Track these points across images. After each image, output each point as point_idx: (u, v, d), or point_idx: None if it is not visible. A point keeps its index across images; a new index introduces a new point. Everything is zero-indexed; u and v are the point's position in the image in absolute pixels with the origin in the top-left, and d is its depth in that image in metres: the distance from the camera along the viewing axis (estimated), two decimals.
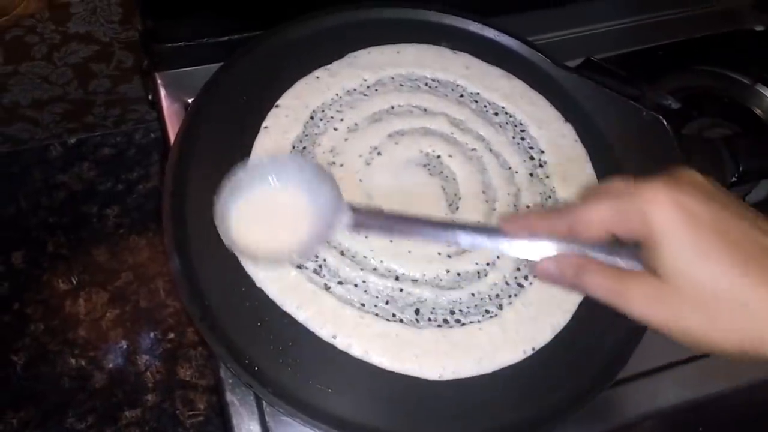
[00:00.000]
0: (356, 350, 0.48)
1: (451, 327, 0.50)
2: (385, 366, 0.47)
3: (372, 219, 0.40)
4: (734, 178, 0.57)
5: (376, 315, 0.49)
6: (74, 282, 0.78)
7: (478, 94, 0.62)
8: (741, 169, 0.57)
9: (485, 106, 0.62)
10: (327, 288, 0.50)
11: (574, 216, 0.34)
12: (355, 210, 0.39)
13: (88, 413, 0.71)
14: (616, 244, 0.34)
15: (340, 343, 0.48)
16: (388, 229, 0.41)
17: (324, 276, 0.51)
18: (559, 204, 0.57)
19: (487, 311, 0.51)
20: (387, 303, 0.50)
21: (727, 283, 0.30)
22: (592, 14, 0.76)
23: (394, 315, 0.49)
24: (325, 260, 0.51)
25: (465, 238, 0.38)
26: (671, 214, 0.31)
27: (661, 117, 0.57)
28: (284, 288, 0.49)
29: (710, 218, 0.31)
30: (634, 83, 0.69)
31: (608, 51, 0.73)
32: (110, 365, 0.74)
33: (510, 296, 0.52)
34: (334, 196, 0.39)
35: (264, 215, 0.40)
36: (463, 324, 0.50)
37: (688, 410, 0.53)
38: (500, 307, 0.51)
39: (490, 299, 0.52)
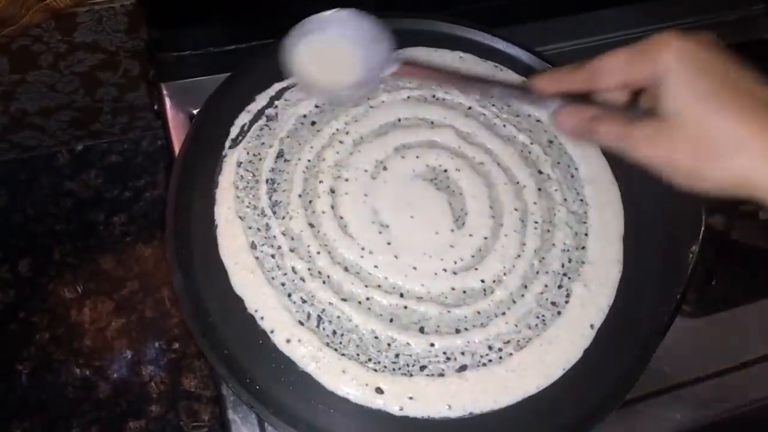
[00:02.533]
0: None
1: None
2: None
3: (414, 69, 0.50)
4: None
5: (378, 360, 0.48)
6: (80, 290, 0.78)
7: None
8: None
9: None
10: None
11: (592, 66, 0.37)
12: (402, 61, 0.45)
13: (92, 424, 0.71)
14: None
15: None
16: (427, 76, 0.51)
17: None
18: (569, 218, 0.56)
19: (494, 328, 0.50)
20: (391, 321, 0.49)
21: (725, 123, 0.32)
22: (603, 24, 0.74)
23: (396, 356, 0.48)
24: (329, 276, 0.51)
25: (498, 92, 0.46)
26: (678, 56, 0.34)
27: None
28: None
29: (715, 66, 0.33)
30: None
31: None
32: (115, 375, 0.74)
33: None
34: (387, 49, 0.45)
35: (324, 58, 0.46)
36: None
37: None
38: (506, 323, 0.50)
39: (496, 317, 0.51)
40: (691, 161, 0.33)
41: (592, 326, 0.51)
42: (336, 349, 0.48)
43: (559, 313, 0.52)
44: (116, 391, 0.74)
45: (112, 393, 0.73)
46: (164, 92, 0.64)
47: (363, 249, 0.52)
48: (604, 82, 0.38)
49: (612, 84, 0.37)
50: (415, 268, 0.52)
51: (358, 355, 0.48)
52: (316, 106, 0.59)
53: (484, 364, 0.49)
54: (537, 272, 0.53)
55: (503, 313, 0.51)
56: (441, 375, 0.48)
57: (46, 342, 0.75)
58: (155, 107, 0.64)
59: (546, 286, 0.53)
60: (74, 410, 0.72)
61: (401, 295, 0.50)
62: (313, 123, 0.58)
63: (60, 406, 0.72)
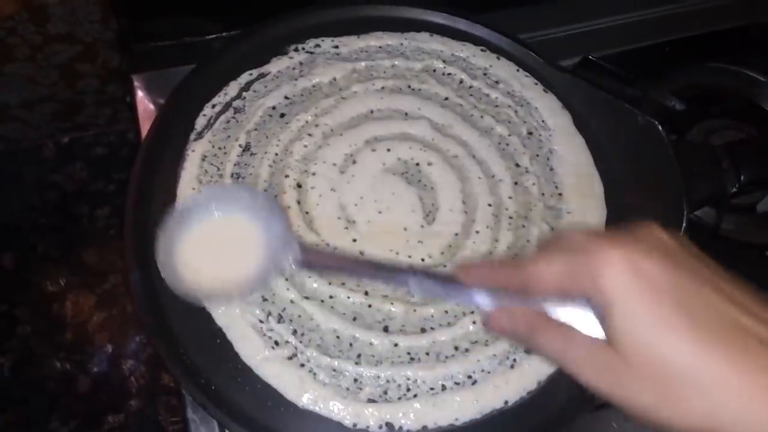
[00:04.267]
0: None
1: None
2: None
3: (321, 259, 0.39)
4: (735, 189, 0.53)
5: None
6: (62, 284, 0.78)
7: (490, 67, 0.61)
8: (742, 179, 0.53)
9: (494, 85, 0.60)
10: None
11: (527, 271, 0.32)
12: (304, 249, 0.37)
13: (71, 417, 0.71)
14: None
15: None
16: (338, 270, 0.41)
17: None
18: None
19: (460, 328, 0.48)
20: (354, 319, 0.48)
21: (682, 361, 0.26)
22: (592, 9, 0.71)
23: (359, 356, 0.47)
24: (291, 274, 0.49)
25: (416, 284, 0.35)
26: (625, 279, 0.28)
27: (656, 122, 0.54)
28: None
29: (669, 285, 0.27)
30: (635, 83, 0.65)
31: (609, 48, 0.69)
32: (95, 369, 0.74)
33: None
34: (284, 231, 0.37)
35: (211, 249, 0.37)
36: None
37: None
38: (474, 323, 0.48)
39: (464, 315, 0.49)
40: (648, 399, 0.27)
41: None
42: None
43: None
44: (96, 385, 0.74)
45: (92, 387, 0.73)
46: (135, 83, 0.62)
47: (328, 245, 0.50)
48: (538, 289, 0.31)
49: (547, 293, 0.31)
50: None
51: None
52: (286, 98, 0.57)
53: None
54: None
55: (472, 312, 0.49)
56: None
57: (28, 335, 0.75)
58: (127, 99, 0.63)
59: None
60: (54, 404, 0.72)
61: (366, 294, 0.49)
62: (282, 115, 0.57)
63: (40, 400, 0.72)
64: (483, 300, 0.34)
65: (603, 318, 0.29)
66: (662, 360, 0.27)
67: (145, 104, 0.62)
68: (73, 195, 0.84)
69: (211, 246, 0.37)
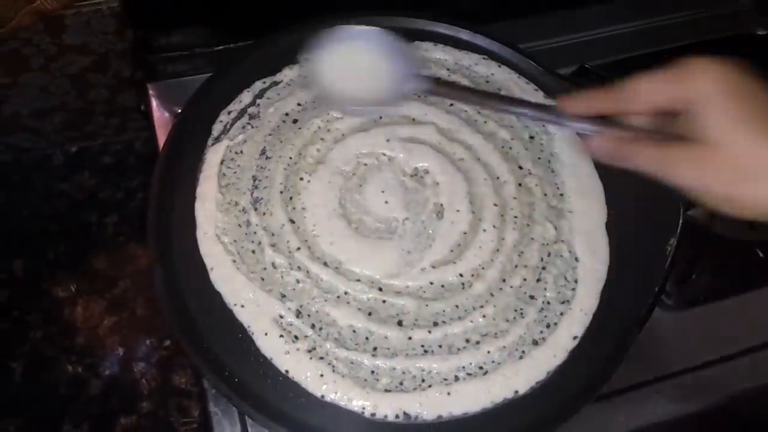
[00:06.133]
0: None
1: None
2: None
3: (439, 88, 0.47)
4: None
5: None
6: (73, 290, 0.80)
7: (492, 75, 0.63)
8: None
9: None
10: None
11: (626, 89, 0.37)
12: (424, 78, 0.44)
13: (83, 420, 0.72)
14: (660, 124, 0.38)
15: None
16: (453, 96, 0.52)
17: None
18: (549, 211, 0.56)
19: (471, 322, 0.51)
20: (369, 314, 0.50)
21: (757, 153, 0.33)
22: (588, 20, 0.75)
23: (375, 349, 0.49)
24: (308, 271, 0.51)
25: (524, 112, 0.43)
26: (716, 83, 0.34)
27: None
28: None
29: (751, 92, 0.34)
30: None
31: (604, 58, 0.72)
32: (106, 372, 0.75)
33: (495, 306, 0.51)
34: (411, 65, 0.44)
35: (349, 69, 0.45)
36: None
37: (674, 425, 0.53)
38: (484, 316, 0.51)
39: (474, 309, 0.51)
40: (730, 186, 0.35)
41: None
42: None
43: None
44: (108, 388, 0.75)
45: (103, 390, 0.74)
46: (150, 92, 0.65)
47: (342, 243, 0.53)
48: (638, 105, 0.38)
49: (646, 108, 0.38)
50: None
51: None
52: (299, 104, 0.60)
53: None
54: (516, 266, 0.54)
55: (481, 306, 0.51)
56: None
57: (40, 340, 0.76)
58: (142, 107, 0.65)
59: (524, 279, 0.53)
60: (66, 407, 0.73)
61: (380, 290, 0.51)
62: (295, 121, 0.59)
63: (52, 403, 0.73)
64: (584, 126, 0.41)
65: (695, 119, 0.35)
66: (748, 149, 0.34)
67: (159, 112, 0.64)
68: (81, 203, 0.86)
69: (351, 72, 0.45)
